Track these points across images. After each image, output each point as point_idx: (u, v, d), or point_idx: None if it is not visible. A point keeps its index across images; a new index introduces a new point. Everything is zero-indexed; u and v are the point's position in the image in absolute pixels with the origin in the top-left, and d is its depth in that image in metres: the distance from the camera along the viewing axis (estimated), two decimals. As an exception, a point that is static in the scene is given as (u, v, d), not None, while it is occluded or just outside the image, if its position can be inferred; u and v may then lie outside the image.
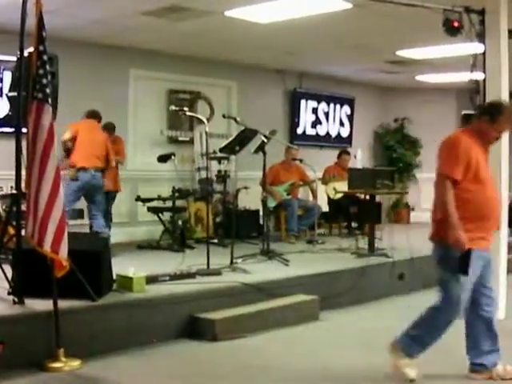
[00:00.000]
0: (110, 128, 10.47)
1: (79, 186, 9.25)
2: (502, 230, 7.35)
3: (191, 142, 12.36)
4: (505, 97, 7.31)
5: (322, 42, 11.04)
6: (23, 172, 5.84)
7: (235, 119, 9.15)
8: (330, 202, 12.50)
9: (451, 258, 4.92)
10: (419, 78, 14.69)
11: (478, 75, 7.49)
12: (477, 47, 7.46)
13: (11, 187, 6.36)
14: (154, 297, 6.58)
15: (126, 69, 11.64)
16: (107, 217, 10.10)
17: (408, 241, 9.15)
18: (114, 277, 6.78)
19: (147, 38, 10.67)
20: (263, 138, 9.30)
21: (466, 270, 4.90)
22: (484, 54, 7.38)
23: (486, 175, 5.06)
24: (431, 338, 5.16)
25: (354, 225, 12.59)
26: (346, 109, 15.47)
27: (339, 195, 11.82)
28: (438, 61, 12.32)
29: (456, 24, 7.54)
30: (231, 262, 8.37)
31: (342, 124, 15.44)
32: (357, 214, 12.34)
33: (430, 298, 8.61)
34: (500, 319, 7.21)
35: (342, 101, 15.36)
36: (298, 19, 9.45)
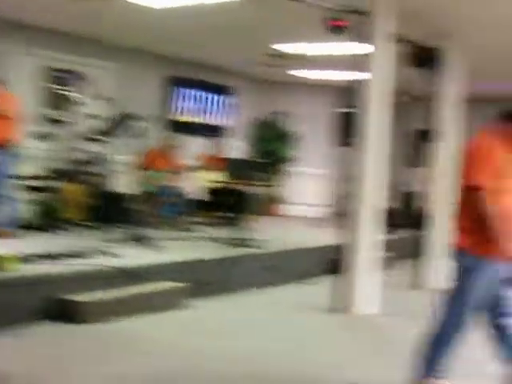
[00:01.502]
0: None
1: None
2: (370, 227, 7.58)
3: (68, 122, 12.07)
4: (385, 96, 7.50)
5: (208, 30, 10.99)
6: None
7: (113, 102, 9.05)
8: (206, 190, 12.50)
9: (484, 271, 4.65)
10: (299, 73, 14.87)
11: (359, 75, 7.64)
12: (360, 48, 7.60)
13: None
14: (23, 277, 6.39)
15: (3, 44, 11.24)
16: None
17: (280, 233, 9.27)
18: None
19: (33, 14, 10.35)
20: (141, 123, 9.22)
21: None
22: (366, 55, 7.53)
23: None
24: (445, 353, 4.87)
25: (228, 215, 12.63)
26: (225, 99, 15.50)
27: (214, 184, 11.84)
28: (320, 58, 12.49)
29: (341, 23, 7.67)
30: (101, 246, 8.26)
31: (219, 114, 15.44)
32: (232, 204, 12.39)
33: (298, 290, 8.84)
34: (374, 314, 7.48)
35: (221, 91, 15.36)
36: (189, 7, 9.38)
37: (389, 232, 12.48)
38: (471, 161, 4.66)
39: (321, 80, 15.33)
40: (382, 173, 7.67)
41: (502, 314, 4.88)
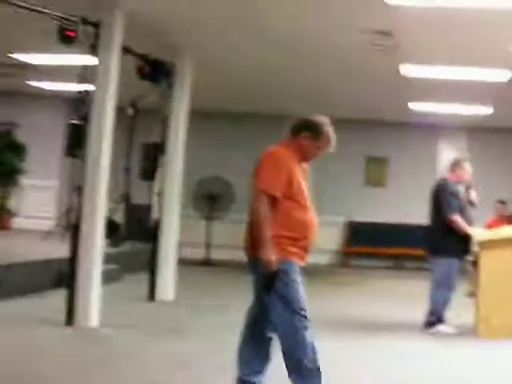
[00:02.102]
0: None
1: None
2: (96, 239, 7.53)
3: None
4: (111, 108, 7.49)
5: None
6: None
7: None
8: None
9: (281, 270, 4.66)
10: (33, 83, 14.49)
11: (89, 86, 7.59)
12: (90, 59, 7.56)
13: None
14: None
15: None
16: None
17: (7, 246, 8.96)
18: None
19: None
20: None
21: (270, 290, 4.70)
22: (96, 66, 7.49)
23: (304, 194, 4.83)
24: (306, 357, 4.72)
25: None
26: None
27: None
28: (53, 68, 12.26)
29: (71, 33, 7.58)
30: None
31: None
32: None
33: (23, 304, 8.60)
34: (92, 326, 7.41)
35: None
36: None
37: (120, 245, 12.53)
38: (261, 167, 4.73)
39: (54, 91, 15.03)
40: (106, 185, 7.63)
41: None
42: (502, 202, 12.41)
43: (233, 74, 11.68)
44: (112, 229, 11.80)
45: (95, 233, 7.52)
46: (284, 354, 4.74)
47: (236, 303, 9.64)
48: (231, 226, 15.56)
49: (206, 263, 14.50)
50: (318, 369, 4.71)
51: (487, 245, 8.00)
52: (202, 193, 14.72)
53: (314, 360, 4.70)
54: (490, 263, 7.93)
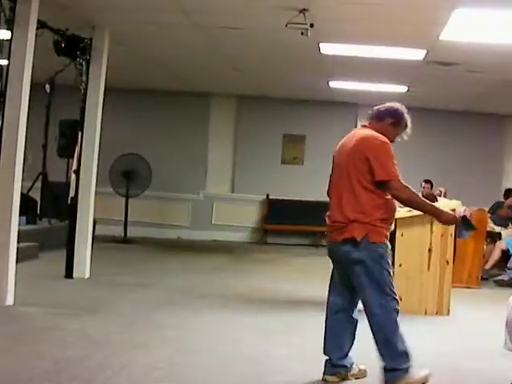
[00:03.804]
0: None
1: None
2: (13, 217, 7.43)
3: None
4: (27, 84, 7.39)
5: None
6: None
7: None
8: None
9: (379, 254, 4.92)
10: None
11: (4, 61, 7.48)
12: (4, 34, 7.44)
13: None
14: None
15: None
16: None
17: None
18: None
19: None
20: None
21: (472, 227, 5.37)
22: (11, 40, 7.37)
23: None
24: (401, 341, 4.90)
25: None
26: None
27: None
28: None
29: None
30: None
31: None
32: None
33: None
34: (9, 305, 7.31)
35: None
36: None
37: (36, 222, 12.37)
38: (381, 159, 4.90)
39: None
40: (21, 161, 7.52)
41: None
42: (427, 182, 12.66)
43: (152, 51, 11.60)
44: (29, 206, 11.65)
45: (11, 210, 7.41)
46: (375, 334, 4.93)
47: (153, 281, 9.74)
48: (149, 203, 15.56)
49: (124, 241, 14.43)
50: (408, 352, 4.90)
51: (402, 222, 8.11)
52: (119, 170, 14.61)
53: (404, 342, 4.89)
54: (405, 241, 8.11)
